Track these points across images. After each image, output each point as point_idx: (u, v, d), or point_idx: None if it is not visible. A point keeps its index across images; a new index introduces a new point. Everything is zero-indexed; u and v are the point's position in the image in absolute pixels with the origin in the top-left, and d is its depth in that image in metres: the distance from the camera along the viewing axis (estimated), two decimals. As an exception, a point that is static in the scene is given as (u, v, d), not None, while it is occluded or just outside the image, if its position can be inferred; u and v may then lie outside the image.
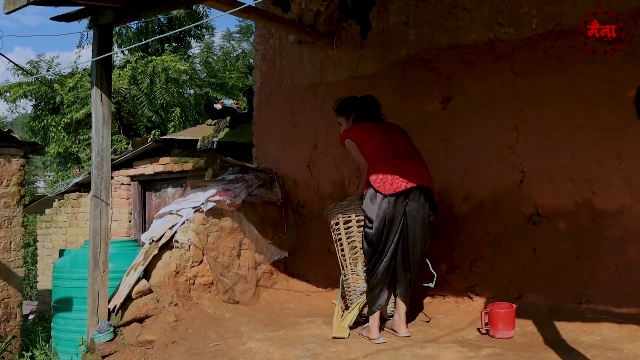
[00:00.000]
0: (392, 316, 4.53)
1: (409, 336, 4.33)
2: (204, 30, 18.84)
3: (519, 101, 4.82)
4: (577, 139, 4.54)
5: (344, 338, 4.33)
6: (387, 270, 4.35)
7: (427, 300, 5.08)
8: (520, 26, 4.82)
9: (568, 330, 4.12)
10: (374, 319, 4.30)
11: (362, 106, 4.76)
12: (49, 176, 21.26)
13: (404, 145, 4.53)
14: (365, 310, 4.50)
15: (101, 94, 4.60)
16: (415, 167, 4.36)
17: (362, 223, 4.47)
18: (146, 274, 4.83)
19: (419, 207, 4.32)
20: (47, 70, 16.38)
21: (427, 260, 4.55)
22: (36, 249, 12.60)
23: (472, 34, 5.09)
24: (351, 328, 4.49)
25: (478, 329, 4.39)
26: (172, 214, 5.24)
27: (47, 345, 5.88)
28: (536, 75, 4.74)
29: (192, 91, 16.84)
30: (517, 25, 4.84)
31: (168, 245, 5.02)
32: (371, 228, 4.30)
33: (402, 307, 4.42)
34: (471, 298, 4.95)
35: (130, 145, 11.56)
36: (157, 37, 15.68)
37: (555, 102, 4.64)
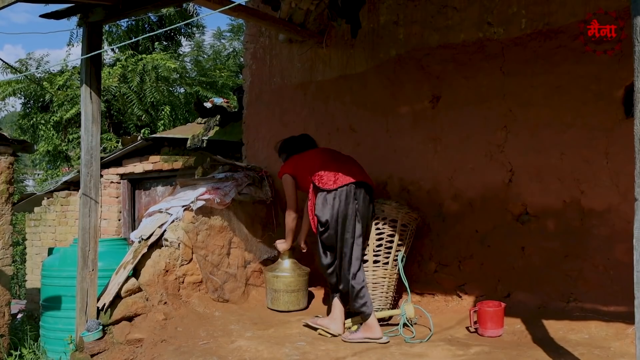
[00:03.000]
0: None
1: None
2: (195, 28, 18.80)
3: (508, 100, 4.84)
4: (565, 138, 4.56)
5: (328, 336, 4.36)
6: (361, 272, 4.44)
7: (416, 299, 5.10)
8: (510, 26, 4.84)
9: (556, 328, 4.15)
10: (373, 320, 4.26)
11: (296, 145, 5.04)
12: (38, 174, 21.18)
13: (344, 156, 4.83)
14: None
15: (90, 92, 4.58)
16: (358, 168, 4.66)
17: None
18: (135, 273, 4.82)
19: (365, 207, 4.55)
20: (37, 68, 16.30)
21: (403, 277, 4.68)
22: (25, 247, 12.53)
23: (461, 34, 5.11)
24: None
25: (467, 328, 4.41)
26: (161, 212, 5.23)
27: (35, 344, 5.85)
28: (525, 75, 4.76)
29: (182, 90, 16.82)
30: (506, 25, 4.86)
31: (157, 244, 5.01)
32: (325, 231, 4.41)
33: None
34: (460, 297, 4.97)
35: (120, 143, 11.53)
36: (148, 34, 15.65)
37: (544, 101, 4.66)
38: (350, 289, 4.32)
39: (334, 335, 4.36)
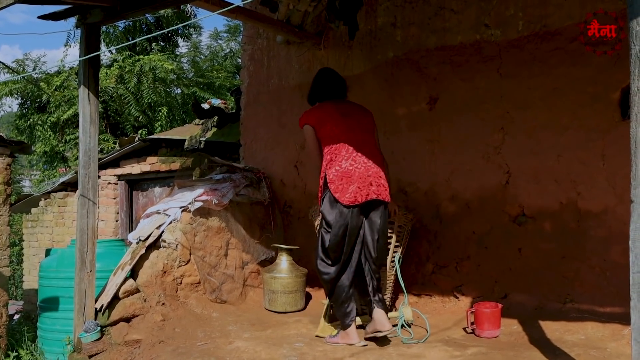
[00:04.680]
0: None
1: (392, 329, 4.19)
2: (192, 29, 18.77)
3: (505, 102, 4.85)
4: (562, 140, 4.58)
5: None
6: (353, 282, 4.23)
7: (413, 300, 5.11)
8: (507, 28, 4.86)
9: (553, 329, 4.16)
10: (352, 329, 4.15)
11: (324, 92, 4.55)
12: (35, 175, 21.12)
13: (366, 143, 4.30)
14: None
15: (88, 94, 4.59)
16: (376, 176, 4.19)
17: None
18: (133, 274, 4.82)
19: (378, 215, 4.23)
20: (34, 69, 16.26)
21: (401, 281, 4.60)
22: (22, 248, 12.51)
23: (458, 36, 5.12)
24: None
25: (464, 329, 4.42)
26: (159, 213, 5.23)
27: (33, 345, 5.85)
28: (522, 77, 4.77)
29: (179, 90, 16.78)
30: (503, 27, 4.88)
31: (155, 245, 5.02)
32: (329, 232, 4.16)
33: (381, 314, 4.21)
34: (457, 298, 4.98)
35: (117, 144, 11.51)
36: (145, 37, 15.62)
37: (541, 103, 4.68)
38: (339, 295, 4.20)
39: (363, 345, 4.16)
